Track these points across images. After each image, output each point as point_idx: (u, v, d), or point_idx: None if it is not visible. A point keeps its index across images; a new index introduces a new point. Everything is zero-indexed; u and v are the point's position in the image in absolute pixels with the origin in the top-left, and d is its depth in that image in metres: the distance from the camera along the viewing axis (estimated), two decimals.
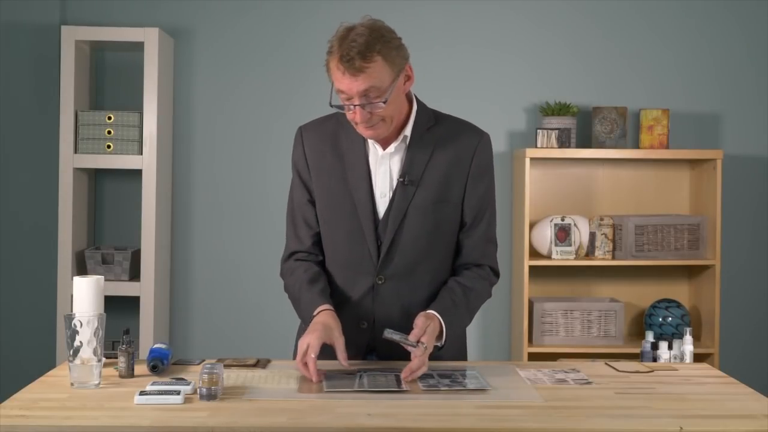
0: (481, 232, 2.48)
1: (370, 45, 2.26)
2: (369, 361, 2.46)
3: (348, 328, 2.35)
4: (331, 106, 2.34)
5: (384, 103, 2.27)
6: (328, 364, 2.32)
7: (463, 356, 2.57)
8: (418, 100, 2.48)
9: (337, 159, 2.44)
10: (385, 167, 2.42)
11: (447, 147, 2.43)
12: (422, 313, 2.34)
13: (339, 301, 2.43)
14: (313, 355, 2.21)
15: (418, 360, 2.22)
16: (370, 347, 2.47)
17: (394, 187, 2.42)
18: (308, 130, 2.52)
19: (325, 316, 2.32)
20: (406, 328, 2.31)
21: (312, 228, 2.51)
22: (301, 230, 2.52)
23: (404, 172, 2.40)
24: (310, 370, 2.20)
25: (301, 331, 2.51)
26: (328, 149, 2.46)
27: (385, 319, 2.42)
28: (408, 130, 2.41)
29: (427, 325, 2.29)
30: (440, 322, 2.33)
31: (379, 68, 2.26)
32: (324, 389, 2.14)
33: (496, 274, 2.53)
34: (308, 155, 2.48)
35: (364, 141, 2.42)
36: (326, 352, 2.28)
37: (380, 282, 2.43)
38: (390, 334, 2.26)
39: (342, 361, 2.25)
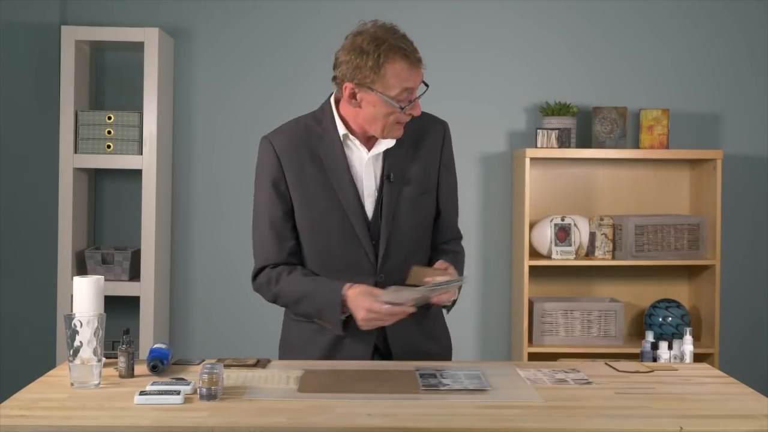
0: (454, 213, 2.62)
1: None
2: (375, 361, 2.49)
3: (354, 330, 2.39)
4: (401, 109, 2.36)
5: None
6: (335, 365, 2.33)
7: (449, 350, 2.63)
8: None
9: (317, 165, 2.45)
10: (370, 168, 2.46)
11: (419, 139, 2.50)
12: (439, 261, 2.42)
13: None
14: (385, 307, 2.28)
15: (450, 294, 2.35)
16: (377, 347, 2.50)
17: (378, 186, 2.46)
18: (279, 140, 2.50)
19: (354, 288, 2.37)
20: (411, 324, 2.42)
21: (289, 240, 2.49)
22: (276, 244, 2.49)
23: (389, 171, 2.45)
24: (401, 309, 2.29)
25: (284, 349, 2.64)
26: (306, 156, 2.46)
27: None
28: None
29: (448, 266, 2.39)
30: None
31: None
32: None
33: (461, 237, 2.68)
34: (285, 165, 2.46)
35: (340, 145, 2.45)
36: (341, 354, 2.42)
37: (381, 280, 2.45)
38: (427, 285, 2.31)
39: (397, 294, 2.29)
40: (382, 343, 2.50)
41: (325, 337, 2.49)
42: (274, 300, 2.54)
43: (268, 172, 2.48)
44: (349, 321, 2.42)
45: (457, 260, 2.55)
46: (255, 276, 2.56)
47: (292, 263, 2.51)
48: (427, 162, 2.51)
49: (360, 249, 2.45)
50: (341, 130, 2.45)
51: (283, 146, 2.48)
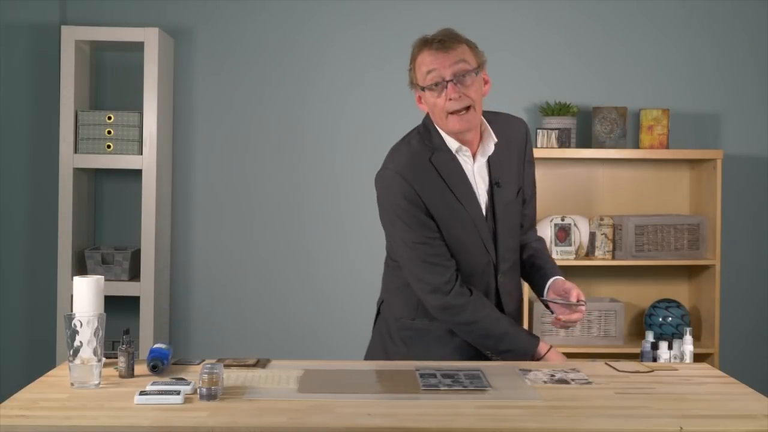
0: (534, 205, 2.75)
1: (454, 34, 2.48)
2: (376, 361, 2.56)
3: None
4: (423, 89, 2.45)
5: (476, 74, 2.45)
6: (335, 365, 2.33)
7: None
8: None
9: (442, 183, 2.50)
10: (480, 177, 2.55)
11: (508, 141, 2.59)
12: (558, 280, 2.59)
13: None
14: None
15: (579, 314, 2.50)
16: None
17: (489, 190, 2.55)
18: (405, 170, 2.49)
19: (555, 353, 2.57)
20: (518, 319, 2.65)
21: (450, 259, 2.54)
22: (441, 265, 2.52)
23: (497, 176, 2.55)
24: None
25: (375, 347, 2.68)
26: (433, 178, 2.50)
27: (509, 314, 2.60)
28: (493, 134, 2.54)
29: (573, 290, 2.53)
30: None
31: (464, 50, 2.47)
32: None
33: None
34: (419, 191, 2.48)
35: (453, 155, 2.51)
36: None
37: (501, 280, 2.59)
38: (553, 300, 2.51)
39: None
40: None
41: (440, 338, 2.60)
42: (466, 323, 2.54)
43: (408, 197, 2.48)
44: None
45: (549, 256, 2.75)
46: (448, 291, 2.53)
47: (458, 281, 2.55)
48: (517, 161, 2.62)
49: (485, 255, 2.55)
50: (453, 145, 2.52)
51: (411, 173, 2.49)
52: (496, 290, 2.59)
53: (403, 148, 2.56)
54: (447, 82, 2.43)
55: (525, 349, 2.54)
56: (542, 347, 2.56)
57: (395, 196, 2.50)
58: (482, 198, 2.54)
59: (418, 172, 2.50)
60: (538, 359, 2.54)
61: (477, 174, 2.54)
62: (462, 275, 2.54)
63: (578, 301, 2.50)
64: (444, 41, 2.44)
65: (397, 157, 2.54)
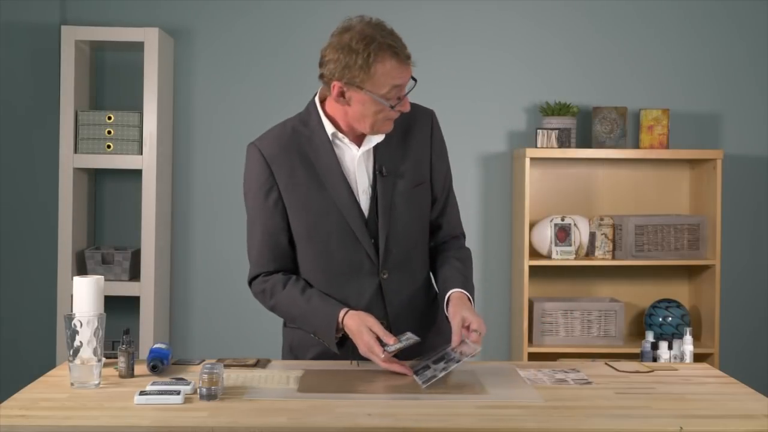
0: (453, 204, 2.57)
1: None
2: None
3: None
4: (392, 108, 2.32)
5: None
6: (335, 365, 2.34)
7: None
8: None
9: (308, 167, 2.41)
10: (362, 165, 2.42)
11: (407, 131, 2.46)
12: (451, 307, 2.35)
13: (348, 305, 2.40)
14: (383, 355, 2.26)
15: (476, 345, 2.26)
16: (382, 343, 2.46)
17: (371, 182, 2.42)
18: (267, 145, 2.45)
19: (351, 318, 2.33)
20: (413, 313, 2.45)
21: (283, 247, 2.45)
22: (269, 252, 2.46)
23: (380, 165, 2.42)
24: (398, 368, 2.27)
25: (288, 335, 2.56)
26: (296, 160, 2.42)
27: (398, 313, 2.44)
28: None
29: (464, 316, 2.30)
30: (466, 296, 2.39)
31: None
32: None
33: (465, 236, 2.63)
34: (275, 171, 2.42)
35: (329, 144, 2.41)
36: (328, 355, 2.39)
37: (385, 277, 2.43)
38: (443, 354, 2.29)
39: (389, 340, 2.27)
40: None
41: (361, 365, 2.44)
42: (272, 310, 2.50)
43: (259, 179, 2.43)
44: (344, 339, 2.40)
45: (466, 270, 2.50)
46: (250, 282, 2.52)
47: (286, 270, 2.48)
48: (417, 153, 2.47)
49: (360, 249, 2.41)
50: (329, 129, 2.42)
51: (272, 152, 2.42)
52: (379, 287, 2.42)
53: (277, 126, 2.49)
54: (404, 95, 2.34)
55: (325, 331, 2.36)
56: (340, 318, 2.34)
57: (250, 169, 2.45)
58: (362, 187, 2.42)
59: (282, 152, 2.42)
60: (339, 327, 2.35)
61: (358, 162, 2.42)
62: (333, 267, 2.42)
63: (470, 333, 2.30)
64: (406, 50, 2.32)
65: (268, 133, 2.49)
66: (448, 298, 2.39)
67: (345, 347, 2.39)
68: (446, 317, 2.39)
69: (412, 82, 2.38)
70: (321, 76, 2.40)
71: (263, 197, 2.43)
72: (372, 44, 2.29)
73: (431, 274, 2.57)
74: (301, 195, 2.41)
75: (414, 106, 2.46)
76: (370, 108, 2.32)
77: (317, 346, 2.47)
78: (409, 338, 2.31)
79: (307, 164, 2.41)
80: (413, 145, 2.47)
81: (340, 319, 2.35)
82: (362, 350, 2.30)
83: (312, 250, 2.45)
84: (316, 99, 2.48)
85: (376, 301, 2.43)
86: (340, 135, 2.42)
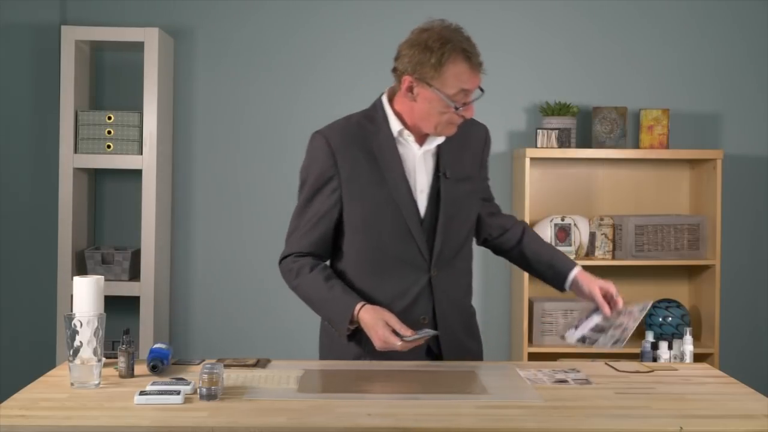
0: (496, 204, 2.74)
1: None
2: (375, 361, 2.47)
3: (408, 326, 2.39)
4: (456, 110, 2.40)
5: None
6: (335, 365, 2.34)
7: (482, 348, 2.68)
8: None
9: (370, 161, 2.46)
10: (422, 165, 2.49)
11: (466, 141, 2.55)
12: (583, 282, 2.57)
13: (395, 301, 2.45)
14: (400, 343, 2.33)
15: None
16: (429, 347, 2.51)
17: (431, 182, 2.49)
18: (333, 135, 2.50)
19: (367, 312, 2.39)
20: (460, 316, 2.55)
21: (323, 234, 2.51)
22: (308, 235, 2.51)
23: (444, 167, 2.50)
24: (411, 340, 2.33)
25: (326, 330, 2.58)
26: (359, 151, 2.47)
27: (443, 311, 2.50)
28: None
29: (602, 285, 2.55)
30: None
31: None
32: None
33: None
34: (339, 160, 2.46)
35: (393, 141, 2.47)
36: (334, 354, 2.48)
37: (435, 275, 2.49)
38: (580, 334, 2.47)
39: (406, 332, 2.34)
40: (435, 346, 2.51)
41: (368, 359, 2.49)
42: (294, 290, 2.56)
43: (322, 166, 2.48)
44: (356, 332, 2.44)
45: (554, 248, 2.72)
46: (281, 260, 2.58)
47: (319, 257, 2.53)
48: (472, 161, 2.58)
49: (413, 245, 2.47)
50: (396, 126, 2.48)
51: (338, 142, 2.48)
52: (428, 284, 2.48)
53: (343, 119, 2.55)
54: (470, 102, 2.42)
55: (339, 320, 2.42)
56: (356, 311, 2.40)
57: (313, 156, 2.50)
58: (420, 185, 2.48)
59: (347, 144, 2.47)
60: (353, 320, 2.41)
61: (418, 161, 2.49)
62: (384, 261, 2.48)
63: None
64: (480, 59, 2.41)
65: (334, 124, 2.54)
66: (573, 276, 2.59)
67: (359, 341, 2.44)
68: (578, 290, 2.60)
69: (478, 91, 2.46)
70: (394, 70, 2.48)
71: (322, 184, 2.48)
72: (447, 45, 2.38)
73: (511, 253, 2.70)
74: (361, 187, 2.46)
75: (471, 120, 2.56)
76: (436, 107, 2.40)
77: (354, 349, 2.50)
78: (427, 332, 2.36)
79: (370, 158, 2.47)
80: (469, 153, 2.57)
81: (356, 311, 2.40)
82: (378, 344, 2.35)
83: (364, 242, 2.50)
84: (384, 97, 2.54)
85: (424, 298, 2.49)
86: (405, 133, 2.48)
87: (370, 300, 2.44)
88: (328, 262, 2.58)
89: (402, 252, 2.47)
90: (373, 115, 2.51)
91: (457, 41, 2.39)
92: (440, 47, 2.37)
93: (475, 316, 2.67)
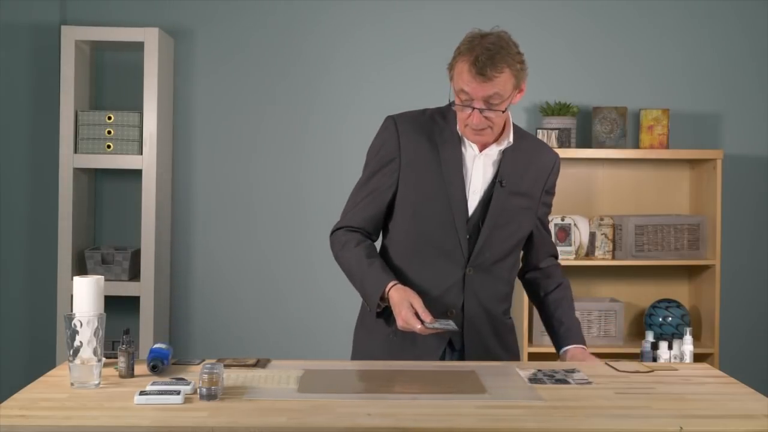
0: (549, 234, 2.78)
1: (503, 57, 2.43)
2: (375, 361, 2.52)
3: (436, 315, 2.47)
4: (451, 104, 2.48)
5: (503, 112, 2.45)
6: (335, 365, 2.33)
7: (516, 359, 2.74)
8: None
9: (434, 152, 2.54)
10: (480, 168, 2.55)
11: (533, 160, 2.62)
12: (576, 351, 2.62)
13: (428, 288, 2.54)
14: (419, 326, 2.39)
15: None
16: (450, 342, 2.57)
17: (486, 186, 2.55)
18: (403, 122, 2.59)
19: (397, 291, 2.46)
20: (489, 320, 2.60)
21: (378, 213, 2.60)
22: (363, 211, 2.61)
23: (502, 176, 2.55)
24: (431, 327, 2.39)
25: (359, 331, 2.70)
26: (425, 141, 2.55)
27: (471, 310, 2.57)
28: (510, 138, 2.56)
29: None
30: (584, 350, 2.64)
31: (505, 79, 2.43)
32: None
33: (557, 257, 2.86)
34: (403, 145, 2.56)
35: (460, 140, 2.54)
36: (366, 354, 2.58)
37: (470, 273, 2.55)
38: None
39: (426, 317, 2.40)
40: (458, 342, 2.58)
41: (397, 339, 2.57)
42: (336, 260, 2.64)
43: (387, 147, 2.57)
44: (386, 310, 2.52)
45: (572, 311, 2.75)
46: (333, 231, 2.66)
47: (369, 234, 2.62)
48: (535, 181, 2.62)
49: (455, 240, 2.54)
50: (461, 125, 2.53)
51: (406, 129, 2.57)
52: (462, 280, 2.55)
53: (419, 111, 2.64)
54: (474, 109, 2.43)
55: (371, 294, 2.51)
56: (387, 288, 2.49)
57: (381, 137, 2.60)
58: (474, 188, 2.55)
59: (415, 132, 2.56)
60: (386, 299, 2.49)
61: (476, 163, 2.55)
62: (426, 249, 2.56)
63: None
64: (485, 67, 2.38)
65: (408, 113, 2.63)
66: (567, 349, 2.65)
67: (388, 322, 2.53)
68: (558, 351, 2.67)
69: (495, 110, 2.44)
70: None
71: (385, 163, 2.57)
72: (464, 45, 2.44)
73: (536, 294, 2.79)
74: (419, 174, 2.55)
75: (544, 144, 2.70)
76: (456, 106, 2.48)
77: (392, 346, 2.58)
78: (449, 324, 2.42)
79: (433, 150, 2.55)
80: (533, 172, 2.62)
81: (387, 289, 2.48)
82: (399, 323, 2.44)
83: (411, 228, 2.58)
84: None
85: (456, 291, 2.56)
86: None
87: (406, 282, 2.53)
88: (379, 241, 2.68)
89: (443, 243, 2.54)
90: (446, 113, 2.59)
91: (474, 44, 2.43)
92: (459, 46, 2.46)
93: (513, 331, 2.74)
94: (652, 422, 1.93)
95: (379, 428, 1.87)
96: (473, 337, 2.58)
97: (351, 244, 2.59)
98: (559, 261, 2.85)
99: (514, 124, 2.61)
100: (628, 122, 4.39)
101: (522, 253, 2.75)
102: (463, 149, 2.55)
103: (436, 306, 2.51)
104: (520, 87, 2.50)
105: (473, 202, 2.56)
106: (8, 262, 4.35)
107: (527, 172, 2.60)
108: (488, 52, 2.40)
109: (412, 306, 2.42)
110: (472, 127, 2.46)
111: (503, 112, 2.45)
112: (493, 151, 2.55)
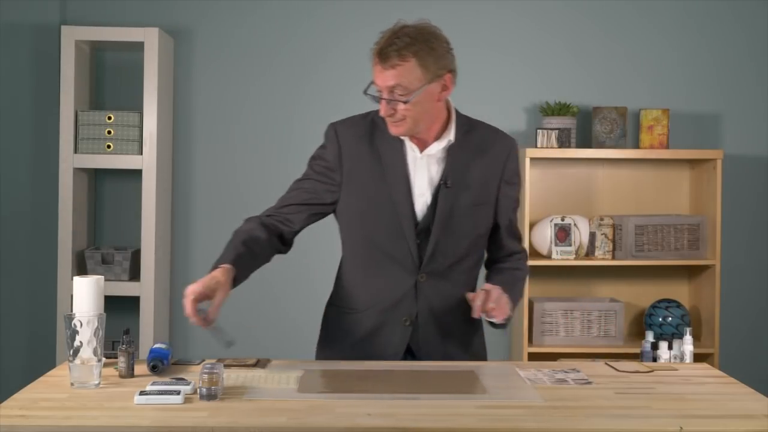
0: (514, 229, 2.64)
1: (409, 46, 2.37)
2: (374, 361, 2.49)
3: (391, 325, 2.45)
4: (365, 93, 2.41)
5: (405, 102, 2.36)
6: (335, 365, 2.32)
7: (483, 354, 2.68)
8: (455, 108, 2.54)
9: (375, 159, 2.48)
10: (423, 169, 2.48)
11: (483, 152, 2.51)
12: (483, 287, 2.41)
13: (383, 298, 2.50)
14: (192, 297, 2.30)
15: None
16: (408, 346, 2.52)
17: (433, 189, 2.47)
18: (344, 129, 2.54)
19: (219, 271, 2.43)
20: (446, 324, 2.51)
21: (292, 219, 2.60)
22: (284, 204, 2.61)
23: (446, 176, 2.47)
24: (188, 311, 2.30)
25: (322, 340, 2.73)
26: (366, 149, 2.50)
27: (426, 317, 2.50)
28: (452, 135, 2.47)
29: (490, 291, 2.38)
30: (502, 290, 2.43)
31: (409, 69, 2.36)
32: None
33: (525, 251, 2.73)
34: (344, 154, 2.50)
35: (401, 142, 2.48)
36: (336, 353, 2.54)
37: (422, 280, 2.49)
38: None
39: (211, 313, 2.35)
40: (415, 345, 2.52)
41: (360, 331, 2.54)
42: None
43: (327, 156, 2.53)
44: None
45: (515, 278, 2.60)
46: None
47: (281, 221, 2.61)
48: (487, 176, 2.51)
49: (404, 246, 2.47)
50: None
51: (347, 137, 2.52)
52: (414, 287, 2.48)
53: (360, 115, 2.57)
54: (381, 98, 2.38)
55: (213, 266, 2.49)
56: (218, 265, 2.47)
57: (323, 147, 2.56)
58: (418, 189, 2.47)
59: (356, 139, 2.50)
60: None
61: (419, 165, 2.47)
62: (376, 256, 2.50)
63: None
64: (389, 56, 2.34)
65: (350, 119, 2.58)
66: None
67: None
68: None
69: (413, 94, 2.37)
70: None
71: (322, 171, 2.53)
72: (381, 35, 2.42)
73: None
74: (363, 183, 2.49)
75: (498, 131, 2.57)
76: None
77: (353, 336, 2.56)
78: (223, 335, 2.38)
79: (375, 156, 2.49)
80: (485, 165, 2.51)
81: (218, 265, 2.47)
82: (185, 303, 2.33)
83: (359, 237, 2.53)
84: None
85: (409, 299, 2.49)
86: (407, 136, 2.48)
87: (361, 294, 2.52)
88: (339, 255, 2.63)
89: (393, 251, 2.48)
90: None
91: (388, 36, 2.40)
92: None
93: (480, 331, 2.65)
94: (652, 422, 1.93)
95: (379, 428, 1.87)
96: (428, 346, 2.51)
97: (242, 225, 2.59)
98: (527, 253, 2.73)
99: (465, 116, 2.54)
100: (628, 122, 4.39)
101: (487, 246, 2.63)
102: (404, 152, 2.48)
103: (392, 315, 2.47)
104: (437, 79, 2.40)
105: (421, 205, 2.47)
106: (8, 262, 4.35)
107: (477, 166, 2.49)
108: (395, 42, 2.36)
109: (206, 297, 2.34)
110: (384, 118, 2.41)
111: (405, 102, 2.35)
112: (435, 150, 2.47)
